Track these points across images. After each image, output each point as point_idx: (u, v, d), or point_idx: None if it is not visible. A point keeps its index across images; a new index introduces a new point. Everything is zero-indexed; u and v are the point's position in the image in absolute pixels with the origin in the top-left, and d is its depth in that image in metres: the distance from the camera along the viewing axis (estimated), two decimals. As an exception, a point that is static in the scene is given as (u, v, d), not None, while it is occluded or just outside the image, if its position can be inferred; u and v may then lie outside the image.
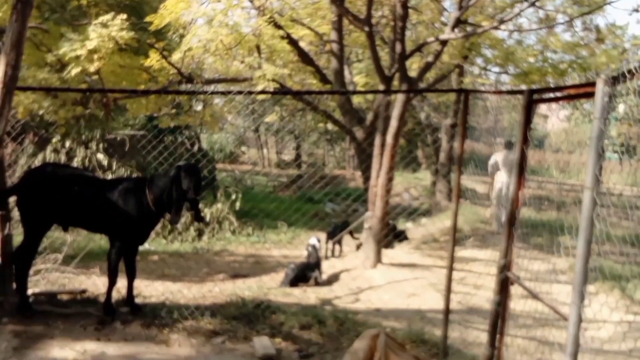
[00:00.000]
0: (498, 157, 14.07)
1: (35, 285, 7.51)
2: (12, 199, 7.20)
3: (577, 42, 12.00)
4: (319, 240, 9.91)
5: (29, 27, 7.05)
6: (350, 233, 11.78)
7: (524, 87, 10.64)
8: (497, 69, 13.57)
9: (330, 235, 11.26)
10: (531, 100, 4.94)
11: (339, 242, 11.55)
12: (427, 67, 10.58)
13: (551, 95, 5.03)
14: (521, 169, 4.91)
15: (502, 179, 13.71)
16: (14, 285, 6.82)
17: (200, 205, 7.47)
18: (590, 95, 3.85)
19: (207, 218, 12.77)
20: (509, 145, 13.60)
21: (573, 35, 12.46)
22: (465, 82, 14.44)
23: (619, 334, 7.00)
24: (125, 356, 5.95)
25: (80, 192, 6.75)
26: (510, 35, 13.57)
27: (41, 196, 6.69)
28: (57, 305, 7.12)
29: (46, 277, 7.85)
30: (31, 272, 7.14)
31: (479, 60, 13.72)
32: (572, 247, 3.84)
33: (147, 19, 9.90)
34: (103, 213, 6.82)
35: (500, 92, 6.80)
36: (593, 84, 3.69)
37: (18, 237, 7.05)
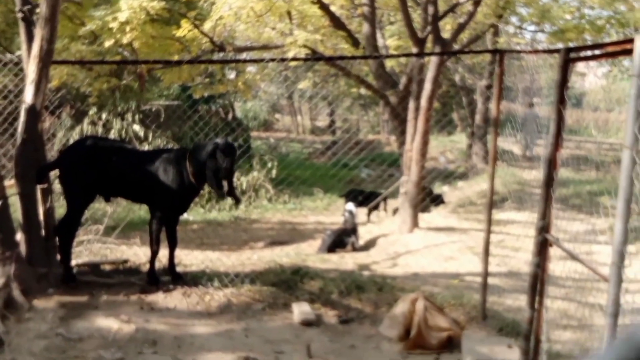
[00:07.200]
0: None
1: (78, 256, 7.66)
2: (53, 173, 7.34)
3: (615, -4, 11.66)
4: (355, 206, 9.92)
5: (62, 0, 7.09)
6: (384, 200, 11.72)
7: (560, 45, 10.43)
8: (532, 28, 13.29)
9: (347, 198, 11.12)
10: (568, 59, 4.83)
11: (375, 208, 11.54)
12: (461, 27, 10.40)
13: (588, 53, 4.93)
14: (558, 130, 4.82)
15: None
16: (58, 257, 6.99)
17: (235, 178, 7.50)
18: (628, 52, 3.76)
19: (243, 186, 12.84)
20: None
21: (611, -10, 12.10)
22: (500, 42, 14.20)
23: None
24: (168, 324, 6.07)
25: (121, 164, 6.84)
26: (546, -9, 13.26)
27: (83, 169, 6.78)
28: (100, 276, 7.28)
29: (89, 248, 8.01)
30: (74, 243, 7.28)
31: (514, 19, 13.46)
32: (611, 207, 3.79)
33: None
34: (144, 184, 6.90)
35: (536, 52, 6.65)
36: (631, 41, 3.59)
37: (59, 210, 7.18)
